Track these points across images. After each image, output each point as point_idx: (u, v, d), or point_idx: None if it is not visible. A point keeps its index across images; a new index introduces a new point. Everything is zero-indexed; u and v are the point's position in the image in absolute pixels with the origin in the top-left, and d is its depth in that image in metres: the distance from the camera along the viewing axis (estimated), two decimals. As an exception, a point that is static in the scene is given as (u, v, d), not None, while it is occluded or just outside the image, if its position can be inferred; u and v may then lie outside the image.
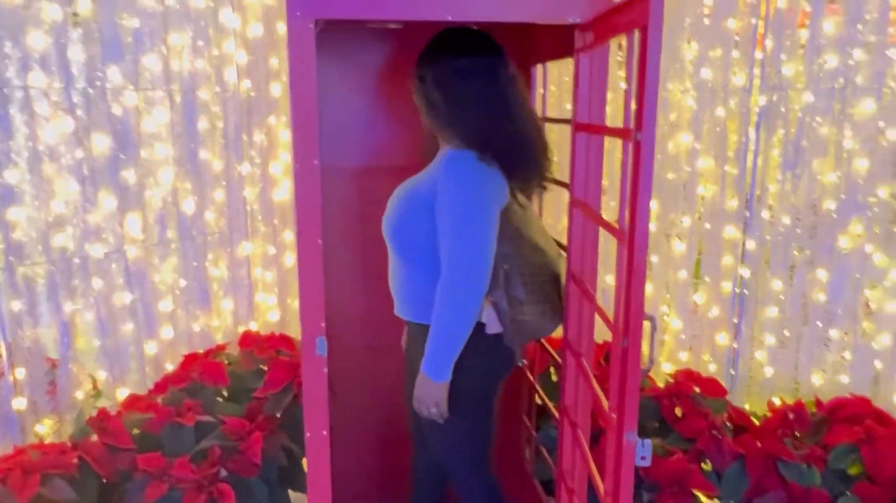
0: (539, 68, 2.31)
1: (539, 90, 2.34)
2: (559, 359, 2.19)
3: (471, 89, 1.66)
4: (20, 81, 2.14)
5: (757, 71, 2.52)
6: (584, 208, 1.68)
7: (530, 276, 1.72)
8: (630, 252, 1.22)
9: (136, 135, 2.44)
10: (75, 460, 1.91)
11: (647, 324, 1.25)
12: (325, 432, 1.77)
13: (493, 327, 1.70)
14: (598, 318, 1.60)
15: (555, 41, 2.15)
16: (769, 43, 2.50)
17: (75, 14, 2.26)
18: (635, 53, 1.26)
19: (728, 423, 2.32)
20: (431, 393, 1.68)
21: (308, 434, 1.76)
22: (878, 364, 2.51)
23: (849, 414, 2.27)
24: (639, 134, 1.18)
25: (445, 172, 1.66)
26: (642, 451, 1.27)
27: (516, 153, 1.69)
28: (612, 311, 1.39)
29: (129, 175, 2.44)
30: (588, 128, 1.60)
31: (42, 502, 1.78)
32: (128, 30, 2.37)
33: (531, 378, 2.46)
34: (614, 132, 1.35)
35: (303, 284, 1.73)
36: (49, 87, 2.21)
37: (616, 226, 1.40)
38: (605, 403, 1.47)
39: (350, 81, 2.39)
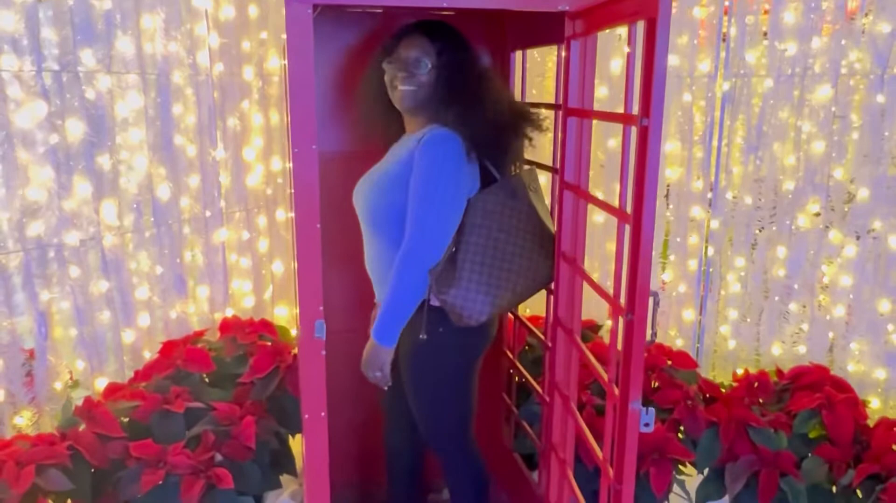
0: (518, 55, 2.36)
1: (517, 76, 2.39)
2: (542, 336, 2.28)
3: (484, 77, 1.77)
4: (-9, 64, 2.08)
5: (722, 56, 2.64)
6: (576, 191, 1.75)
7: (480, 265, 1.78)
8: (637, 232, 1.30)
9: (111, 119, 2.39)
10: (67, 450, 1.88)
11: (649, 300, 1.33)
12: (322, 414, 1.80)
13: None
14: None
15: (530, 28, 2.21)
16: (733, 31, 2.61)
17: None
18: (638, 42, 1.32)
19: (699, 394, 2.45)
20: (378, 356, 1.78)
21: (306, 416, 1.79)
22: (832, 334, 2.68)
23: (809, 381, 2.43)
24: (645, 119, 1.25)
25: (428, 147, 1.72)
26: (646, 418, 1.36)
27: (494, 140, 1.78)
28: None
29: (104, 161, 2.39)
30: (581, 112, 1.67)
31: (37, 493, 1.76)
32: (100, 12, 2.31)
33: (510, 356, 2.54)
34: (616, 117, 1.41)
35: (301, 268, 1.75)
36: (20, 70, 2.14)
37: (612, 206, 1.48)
38: (604, 375, 1.55)
39: (325, 65, 2.39)
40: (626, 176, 1.40)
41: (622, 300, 1.43)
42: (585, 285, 1.78)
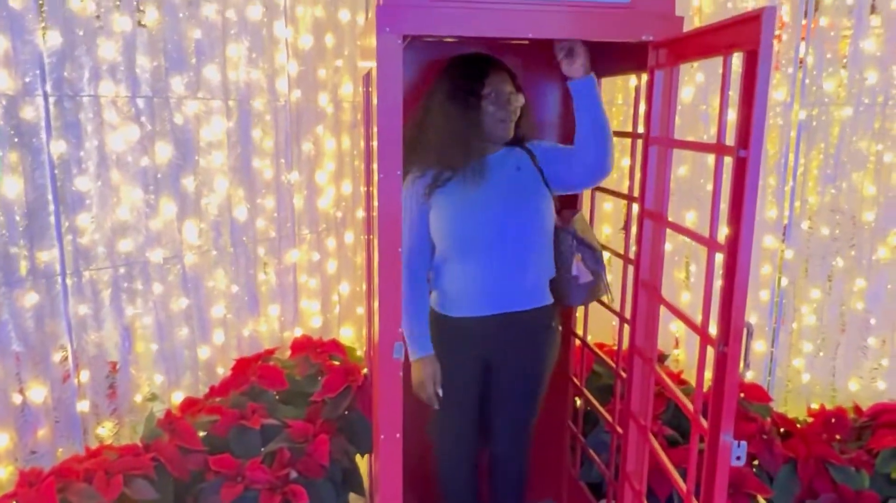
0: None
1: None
2: (612, 364, 2.26)
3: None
4: (91, 90, 2.19)
5: (798, 84, 2.61)
6: (658, 219, 1.74)
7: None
8: (732, 262, 1.29)
9: (195, 143, 2.49)
10: (151, 461, 1.95)
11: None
12: (398, 435, 1.82)
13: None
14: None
15: (608, 57, 2.23)
16: (810, 59, 2.58)
17: (141, 24, 2.32)
18: (733, 73, 1.33)
19: (775, 428, 2.39)
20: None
21: (382, 436, 1.81)
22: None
23: (891, 419, 2.35)
24: (743, 151, 1.25)
25: None
26: (737, 452, 1.33)
27: None
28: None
29: (189, 182, 2.49)
30: (668, 142, 1.67)
31: (125, 501, 1.82)
32: (190, 41, 2.43)
33: (577, 382, 2.52)
34: (709, 148, 1.42)
35: (382, 290, 1.78)
36: (117, 95, 2.26)
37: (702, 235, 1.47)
38: (689, 406, 1.54)
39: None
40: (717, 205, 1.39)
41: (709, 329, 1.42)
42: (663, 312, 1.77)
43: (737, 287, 1.28)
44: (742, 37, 1.25)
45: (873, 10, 2.50)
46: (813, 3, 2.57)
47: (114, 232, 2.31)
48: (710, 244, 1.40)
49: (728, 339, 1.31)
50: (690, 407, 1.53)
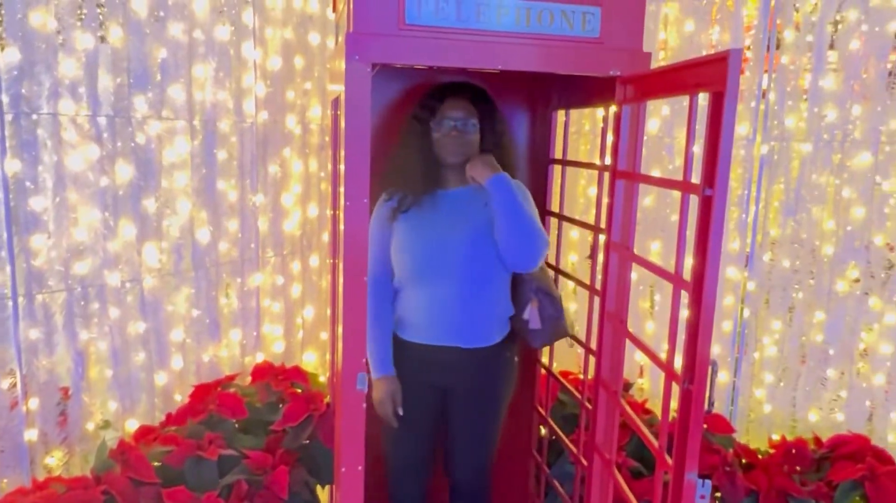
0: (560, 114, 2.40)
1: (559, 135, 2.41)
2: (578, 395, 2.25)
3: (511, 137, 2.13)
4: (50, 108, 2.13)
5: (761, 120, 2.66)
6: (624, 252, 1.75)
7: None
8: (697, 300, 1.29)
9: (158, 164, 2.44)
10: (101, 495, 1.87)
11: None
12: (360, 467, 1.78)
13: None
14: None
15: (576, 89, 2.25)
16: (772, 95, 2.64)
17: (104, 41, 2.27)
18: (699, 110, 1.34)
19: (736, 459, 2.40)
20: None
21: (343, 468, 1.77)
22: (869, 403, 2.63)
23: (849, 451, 2.37)
24: (708, 189, 1.26)
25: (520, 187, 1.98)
26: (702, 490, 1.33)
27: None
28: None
29: (150, 204, 2.43)
30: (635, 176, 1.68)
31: (72, 539, 1.74)
32: (155, 60, 2.38)
33: (542, 412, 2.51)
34: (676, 185, 1.42)
35: (347, 320, 1.75)
36: (77, 113, 2.20)
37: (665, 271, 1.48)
38: (654, 441, 1.53)
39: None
40: (683, 242, 1.40)
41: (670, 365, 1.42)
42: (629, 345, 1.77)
43: (702, 324, 1.29)
44: (709, 77, 1.26)
45: (832, 46, 2.58)
46: (774, 40, 2.63)
47: (70, 253, 2.24)
48: (676, 281, 1.41)
49: (693, 377, 1.31)
50: (655, 443, 1.52)
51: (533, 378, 2.52)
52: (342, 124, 1.68)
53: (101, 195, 2.28)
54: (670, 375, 1.43)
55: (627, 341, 1.77)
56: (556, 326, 2.00)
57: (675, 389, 1.41)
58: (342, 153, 1.70)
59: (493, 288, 1.93)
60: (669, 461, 1.42)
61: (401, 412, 1.99)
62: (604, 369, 1.86)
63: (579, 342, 2.21)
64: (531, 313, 1.96)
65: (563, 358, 2.88)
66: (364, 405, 1.78)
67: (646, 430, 1.59)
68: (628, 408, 1.71)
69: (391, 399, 1.98)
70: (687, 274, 1.36)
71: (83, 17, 2.19)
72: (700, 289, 1.29)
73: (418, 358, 1.99)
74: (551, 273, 2.21)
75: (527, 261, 1.87)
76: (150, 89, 2.38)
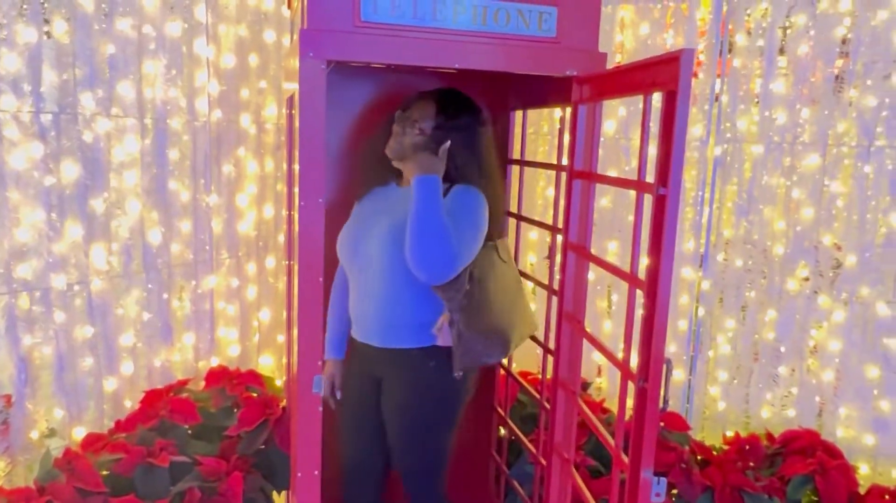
0: (518, 114, 2.40)
1: (517, 135, 2.42)
2: (537, 395, 2.26)
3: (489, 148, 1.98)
4: (-10, 104, 2.05)
5: (714, 122, 2.71)
6: (581, 252, 1.75)
7: None
8: (652, 299, 1.30)
9: (106, 163, 2.36)
10: (45, 506, 1.80)
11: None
12: (316, 472, 1.75)
13: None
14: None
15: (534, 89, 2.25)
16: (724, 97, 2.69)
17: (49, 36, 2.19)
18: (653, 111, 1.35)
19: (692, 456, 2.43)
20: None
21: (299, 474, 1.74)
22: (819, 398, 2.69)
23: (800, 446, 2.43)
24: (662, 189, 1.26)
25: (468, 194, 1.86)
26: (657, 488, 1.33)
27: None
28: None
29: (97, 204, 2.35)
30: (591, 176, 1.69)
31: (13, 553, 1.67)
32: (103, 56, 2.31)
33: (501, 412, 2.51)
34: (630, 184, 1.43)
35: (302, 322, 1.72)
36: (19, 110, 2.12)
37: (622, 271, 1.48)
38: (610, 440, 1.53)
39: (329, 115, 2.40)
40: (638, 241, 1.40)
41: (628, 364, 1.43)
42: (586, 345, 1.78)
43: (656, 323, 1.29)
44: (661, 77, 1.27)
45: (782, 51, 2.63)
46: (727, 44, 2.68)
47: (11, 255, 2.15)
48: (631, 280, 1.41)
49: (648, 375, 1.32)
50: (612, 442, 1.53)
51: (492, 378, 2.52)
52: (297, 123, 1.66)
53: (45, 195, 2.20)
54: (626, 374, 1.43)
55: (585, 341, 1.77)
56: (466, 348, 1.81)
57: (632, 388, 1.42)
58: (297, 153, 1.67)
59: (409, 288, 1.81)
60: (625, 460, 1.43)
61: (338, 395, 2.01)
62: (562, 369, 1.87)
63: (537, 342, 2.21)
64: (442, 329, 1.81)
65: (523, 358, 2.88)
66: (320, 408, 1.75)
67: (602, 430, 1.60)
68: (585, 408, 1.71)
69: (329, 380, 2.01)
70: (642, 273, 1.37)
71: (25, 11, 2.11)
72: (654, 287, 1.29)
73: (355, 352, 1.99)
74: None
75: (425, 273, 1.68)
76: (98, 86, 2.31)
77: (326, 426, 1.98)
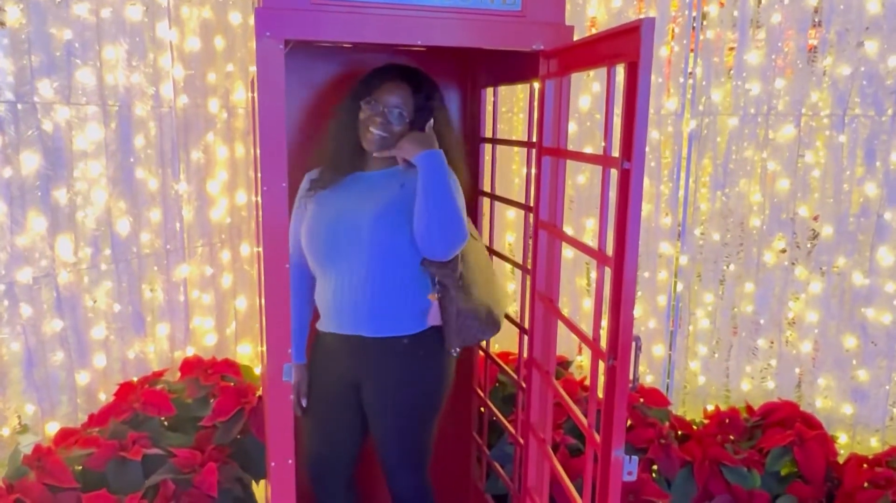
0: (489, 91, 2.36)
1: (488, 113, 2.38)
2: (514, 375, 2.24)
3: (451, 129, 1.93)
4: (-58, 95, 1.99)
5: (689, 95, 2.68)
6: (551, 230, 1.73)
7: None
8: (619, 276, 1.27)
9: (69, 152, 2.31)
10: (14, 504, 1.77)
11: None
12: (290, 461, 1.73)
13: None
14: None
15: (502, 65, 2.21)
16: (699, 70, 2.66)
17: (1, 24, 2.12)
18: (617, 84, 1.32)
19: (672, 432, 2.43)
20: None
21: (273, 463, 1.71)
22: (799, 370, 2.70)
23: (779, 418, 2.43)
24: (627, 163, 1.23)
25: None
26: (629, 467, 1.32)
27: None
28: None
29: (61, 195, 2.30)
30: (558, 152, 1.65)
31: (-19, 552, 1.64)
32: (59, 41, 2.24)
33: (481, 394, 2.49)
34: (595, 159, 1.40)
35: (269, 309, 1.69)
36: (-27, 100, 2.06)
37: (591, 248, 1.46)
38: (583, 420, 1.52)
39: (294, 97, 2.35)
40: (605, 217, 1.38)
41: (602, 343, 1.41)
42: (560, 324, 1.76)
43: (624, 299, 1.27)
44: (623, 48, 1.24)
45: (756, 24, 2.60)
46: (700, 15, 2.65)
47: (-28, 250, 2.10)
48: (599, 257, 1.39)
49: (617, 353, 1.30)
50: (585, 421, 1.51)
51: (471, 360, 2.50)
52: (256, 106, 1.61)
53: (5, 187, 2.15)
54: (596, 353, 1.41)
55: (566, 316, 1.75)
56: (463, 325, 1.80)
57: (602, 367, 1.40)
58: (258, 136, 1.63)
59: (402, 273, 1.78)
60: (598, 439, 1.41)
61: (304, 403, 1.93)
62: (535, 349, 1.85)
63: (513, 322, 2.19)
64: (431, 307, 1.80)
65: (504, 339, 2.87)
66: (291, 397, 1.73)
67: (576, 409, 1.58)
68: (560, 388, 1.69)
69: (295, 388, 1.91)
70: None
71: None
72: (621, 263, 1.27)
73: (328, 349, 1.89)
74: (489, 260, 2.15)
75: (440, 249, 1.71)
76: (56, 73, 2.24)
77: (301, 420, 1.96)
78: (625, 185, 1.25)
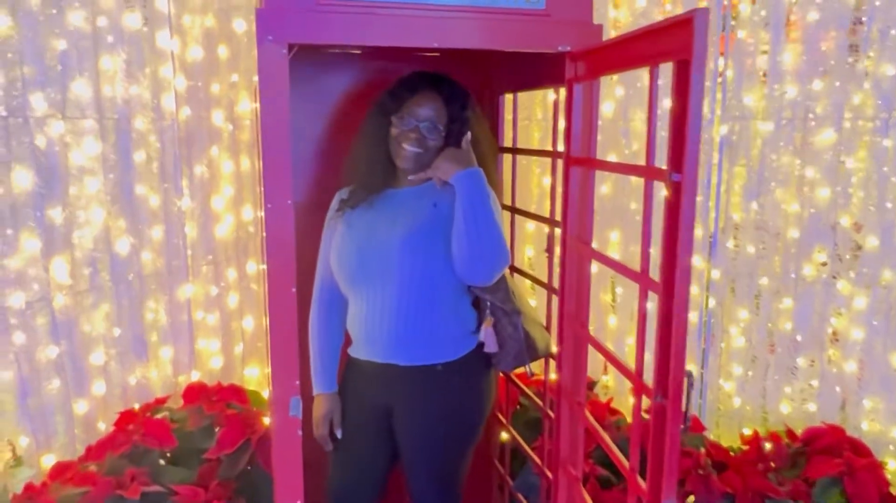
0: (507, 98, 2.21)
1: (507, 121, 2.23)
2: (539, 402, 2.08)
3: (485, 140, 1.81)
4: (-73, 109, 1.87)
5: (719, 99, 2.53)
6: (582, 247, 1.57)
7: None
8: (668, 303, 1.12)
9: (64, 169, 2.18)
10: (1, 551, 1.62)
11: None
12: (299, 502, 1.59)
13: None
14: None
15: (523, 69, 2.07)
16: (729, 73, 2.50)
17: (-9, 33, 2.01)
18: (643, 88, 1.17)
19: (708, 459, 2.26)
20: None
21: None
22: (839, 389, 2.52)
23: (825, 444, 2.26)
24: (676, 174, 1.08)
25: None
26: (681, 519, 1.16)
27: None
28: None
29: (56, 214, 2.17)
30: (590, 163, 1.51)
31: None
32: (54, 52, 2.12)
33: (503, 419, 2.34)
34: (639, 171, 1.25)
35: (274, 338, 1.55)
36: (-39, 115, 1.94)
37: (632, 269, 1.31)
38: (625, 462, 1.36)
39: (306, 109, 2.22)
40: (648, 237, 1.23)
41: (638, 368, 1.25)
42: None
43: (675, 329, 1.12)
44: (671, 44, 1.09)
45: (790, 20, 2.45)
46: (730, 15, 2.50)
47: (-40, 274, 1.97)
48: (643, 281, 1.23)
49: (667, 390, 1.14)
50: (626, 462, 1.35)
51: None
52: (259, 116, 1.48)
53: (-5, 206, 2.02)
54: (639, 388, 1.26)
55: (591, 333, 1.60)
56: (518, 349, 1.73)
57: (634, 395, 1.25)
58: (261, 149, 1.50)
59: (438, 297, 1.67)
60: (643, 485, 1.25)
61: (339, 435, 1.78)
62: (565, 377, 1.69)
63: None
64: (486, 334, 1.72)
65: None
66: (300, 433, 1.58)
67: (614, 448, 1.42)
68: (593, 421, 1.54)
69: (326, 420, 1.78)
70: (653, 270, 1.19)
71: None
72: (671, 289, 1.11)
73: (363, 377, 1.77)
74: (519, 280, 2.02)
75: (482, 275, 1.61)
76: (50, 85, 2.12)
77: (315, 453, 1.81)
78: (675, 199, 1.09)
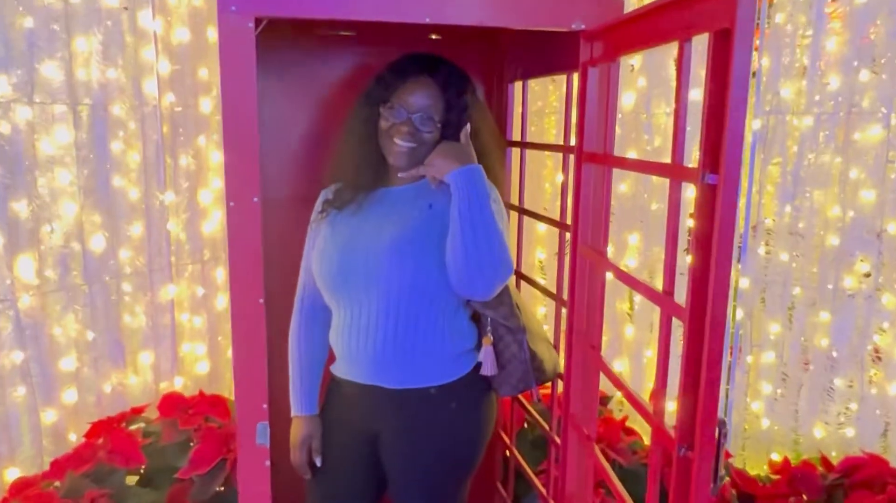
0: (517, 86, 2.00)
1: (517, 112, 2.02)
2: (545, 426, 1.87)
3: (486, 130, 1.60)
4: None
5: (752, 90, 2.29)
6: (598, 259, 1.36)
7: None
8: (695, 332, 0.90)
9: (30, 158, 2.00)
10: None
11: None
12: (266, 541, 1.40)
13: None
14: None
15: (534, 53, 1.85)
16: (765, 62, 2.27)
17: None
18: (667, 79, 0.95)
19: (733, 490, 2.04)
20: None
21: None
22: (880, 412, 2.28)
23: (865, 476, 2.03)
24: (710, 175, 0.87)
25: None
26: None
27: None
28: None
29: (21, 207, 1.99)
30: (607, 159, 1.29)
31: None
32: (20, 31, 1.94)
33: (506, 439, 2.13)
34: (665, 170, 1.03)
35: (238, 356, 1.37)
36: (-87, 98, 1.76)
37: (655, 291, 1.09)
38: (639, 516, 1.15)
39: (289, 97, 2.02)
40: (673, 249, 1.01)
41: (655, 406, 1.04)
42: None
43: (706, 366, 0.90)
44: (708, 12, 0.87)
45: (831, 6, 2.21)
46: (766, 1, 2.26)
47: (-89, 273, 1.80)
48: (666, 305, 1.02)
49: (693, 442, 0.92)
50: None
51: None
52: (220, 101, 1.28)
53: (-49, 199, 1.85)
54: (660, 437, 1.04)
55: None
56: (523, 371, 1.54)
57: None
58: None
59: (430, 311, 1.46)
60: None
61: (318, 463, 1.58)
62: (573, 404, 1.48)
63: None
64: (485, 355, 1.51)
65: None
66: (268, 463, 1.39)
67: (625, 496, 1.21)
68: (604, 462, 1.33)
69: (304, 445, 1.57)
70: (676, 291, 0.98)
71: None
72: (701, 315, 0.90)
73: (343, 399, 1.57)
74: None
75: (480, 288, 1.40)
76: (16, 67, 1.94)
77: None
78: (708, 205, 0.88)
